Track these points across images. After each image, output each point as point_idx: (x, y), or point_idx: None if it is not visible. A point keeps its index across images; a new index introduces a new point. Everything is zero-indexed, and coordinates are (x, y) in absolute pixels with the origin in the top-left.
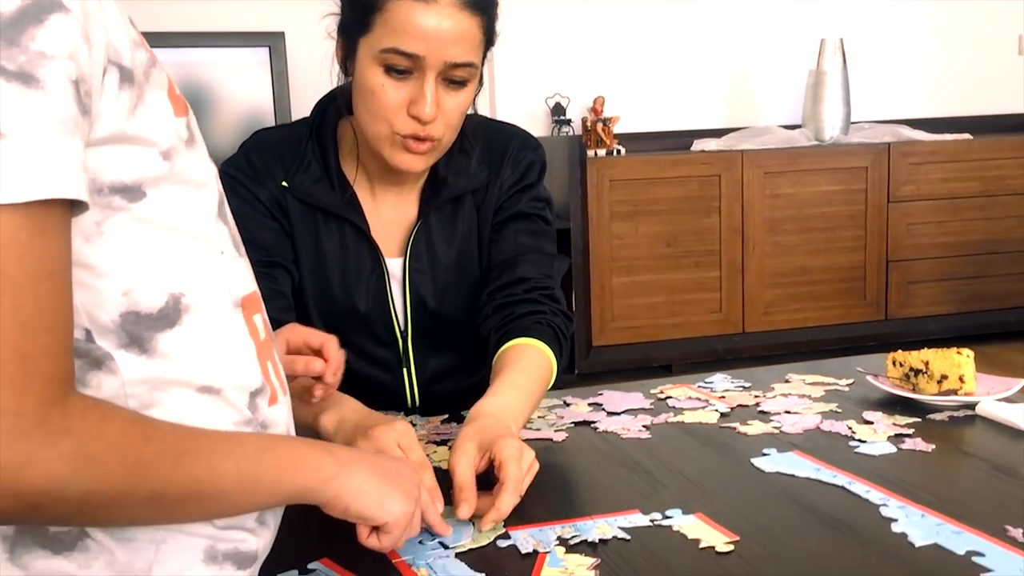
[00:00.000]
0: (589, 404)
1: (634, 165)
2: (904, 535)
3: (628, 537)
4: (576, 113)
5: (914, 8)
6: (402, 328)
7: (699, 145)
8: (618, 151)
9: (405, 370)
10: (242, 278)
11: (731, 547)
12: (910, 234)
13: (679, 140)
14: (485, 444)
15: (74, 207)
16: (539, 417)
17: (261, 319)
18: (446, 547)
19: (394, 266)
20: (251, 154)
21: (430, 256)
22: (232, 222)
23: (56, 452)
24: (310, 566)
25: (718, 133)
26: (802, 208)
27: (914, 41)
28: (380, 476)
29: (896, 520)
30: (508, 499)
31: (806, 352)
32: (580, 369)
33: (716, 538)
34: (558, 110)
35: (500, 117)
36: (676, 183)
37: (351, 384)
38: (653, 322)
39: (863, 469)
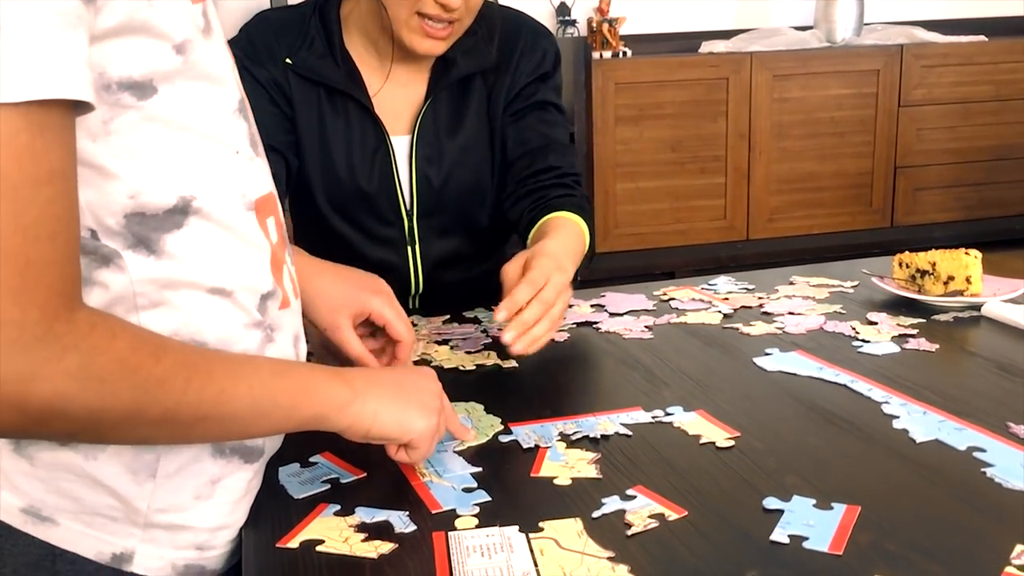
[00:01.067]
0: (592, 305)
1: (640, 68)
2: (905, 431)
3: (630, 433)
4: (581, 14)
5: None
6: (408, 207)
7: (707, 47)
8: (624, 53)
9: (410, 248)
10: (258, 179)
11: (731, 442)
12: (919, 140)
13: (686, 42)
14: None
15: (78, 107)
16: None
17: (275, 222)
18: (444, 443)
19: (400, 144)
20: (252, 33)
21: (437, 135)
22: (252, 119)
23: (62, 367)
24: (312, 459)
25: (727, 35)
26: (811, 112)
27: None
28: (396, 396)
29: (898, 417)
30: (522, 291)
31: (810, 259)
32: (583, 276)
33: (716, 434)
34: (563, 10)
35: None
36: (683, 86)
37: (357, 265)
38: (657, 229)
39: (866, 368)
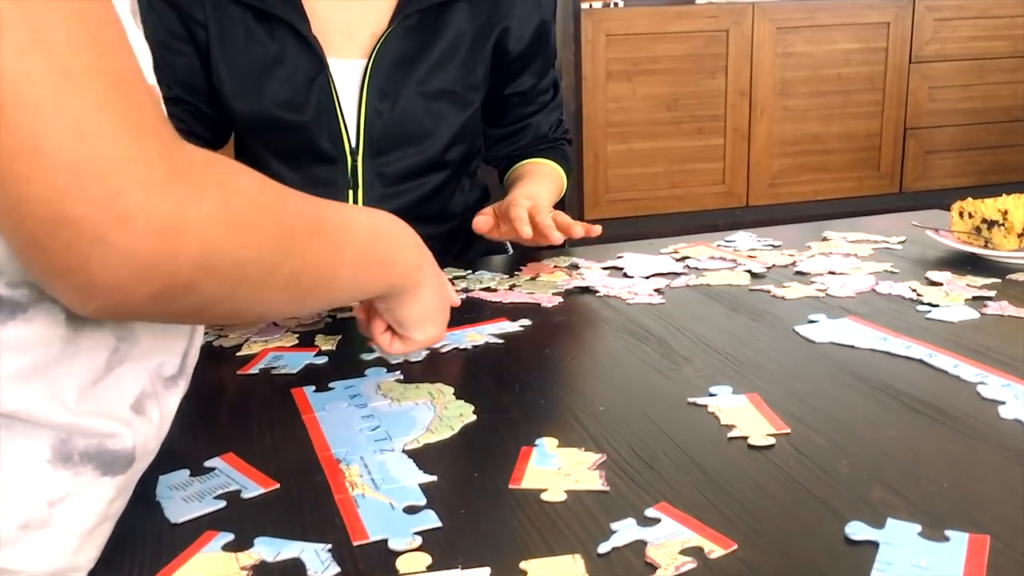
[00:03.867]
0: (605, 268)
1: (633, 18)
2: (1019, 422)
3: (500, 341)
4: None
5: None
6: (352, 144)
7: None
8: (616, 3)
9: (351, 192)
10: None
11: (778, 439)
12: (931, 99)
13: None
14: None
15: None
16: (531, 279)
17: None
18: (391, 439)
19: (351, 70)
20: None
21: (399, 64)
22: None
23: (205, 211)
24: (208, 463)
25: None
26: (817, 69)
27: None
28: (438, 294)
29: (1004, 403)
30: (520, 213)
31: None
32: (570, 244)
33: (760, 426)
34: None
35: None
36: (679, 39)
37: None
38: (651, 194)
39: (943, 339)
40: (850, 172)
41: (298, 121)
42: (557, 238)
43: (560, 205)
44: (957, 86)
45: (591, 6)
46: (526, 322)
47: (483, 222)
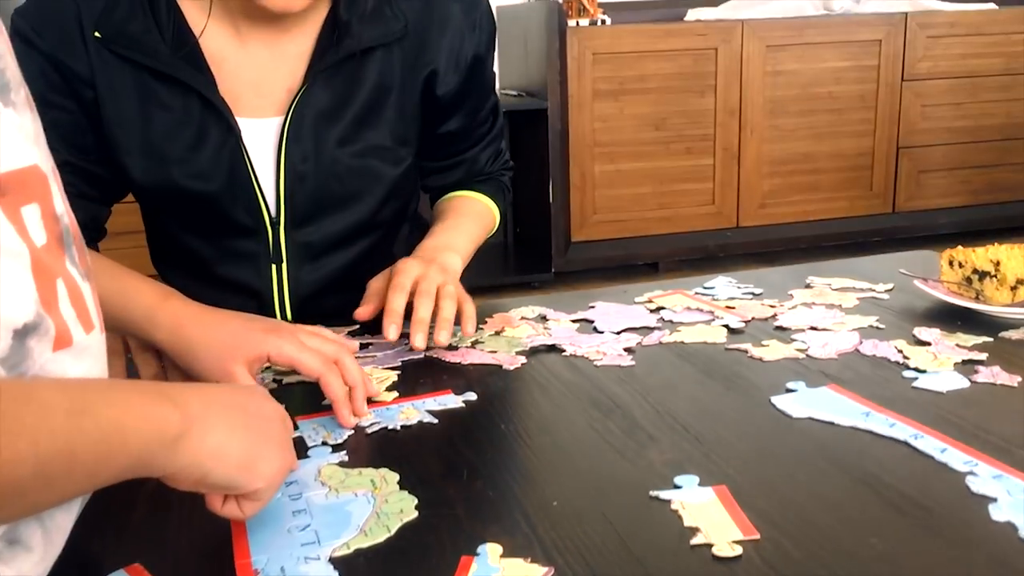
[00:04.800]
0: (574, 320)
1: (620, 36)
2: (1010, 525)
3: (435, 420)
4: None
5: None
6: (272, 214)
7: (693, 15)
8: (602, 20)
9: (275, 268)
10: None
11: (739, 549)
12: (924, 117)
13: (671, 9)
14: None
15: None
16: (495, 334)
17: (42, 212)
18: (319, 543)
19: (265, 129)
20: None
21: (320, 119)
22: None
23: None
24: None
25: (715, 1)
26: (807, 87)
27: None
28: (246, 426)
29: (994, 500)
30: (395, 299)
31: (806, 248)
32: (557, 267)
33: (727, 530)
34: None
35: None
36: (667, 58)
37: (206, 287)
38: (639, 215)
39: (930, 414)
40: (842, 192)
41: (208, 192)
42: (419, 345)
43: (544, 227)
44: (949, 104)
45: (577, 24)
46: (471, 396)
47: (363, 312)
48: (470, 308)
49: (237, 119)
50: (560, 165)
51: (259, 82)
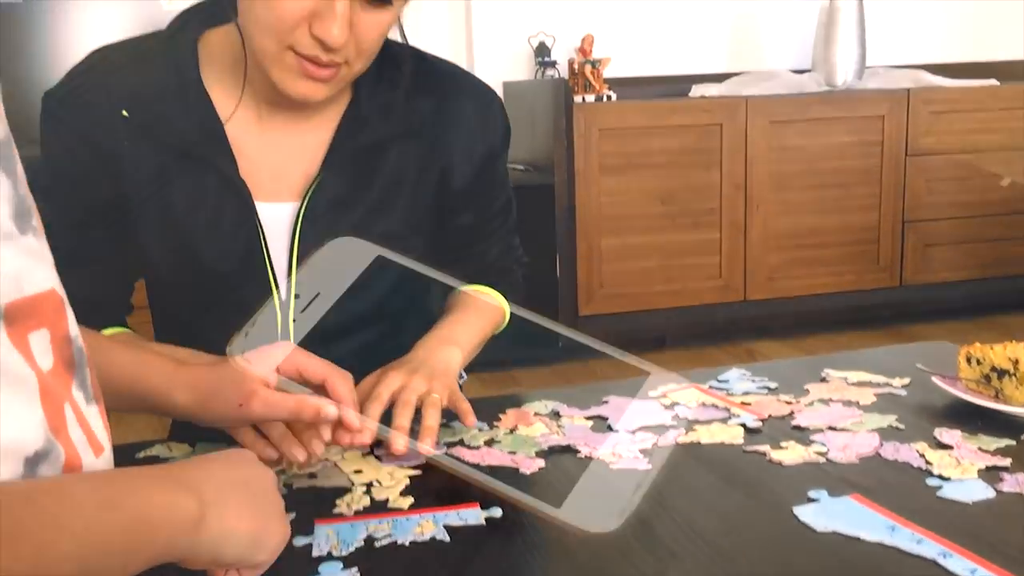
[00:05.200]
0: (588, 417)
1: (626, 113)
2: None
3: (447, 538)
4: (562, 54)
5: None
6: (283, 296)
7: (698, 91)
8: (608, 97)
9: None
10: (13, 273)
11: None
12: (929, 191)
13: (676, 85)
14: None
15: None
16: (510, 432)
17: (50, 338)
18: None
19: (280, 214)
20: (77, 79)
21: (335, 206)
22: (21, 177)
23: None
24: None
25: (719, 78)
26: (812, 162)
27: None
28: (252, 503)
29: None
30: (372, 409)
31: (814, 322)
32: (564, 344)
33: None
34: (542, 50)
35: (477, 58)
36: (673, 133)
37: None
38: (646, 289)
39: (957, 528)
40: (849, 265)
41: (221, 271)
42: (399, 448)
43: (552, 303)
44: (954, 178)
45: (583, 100)
46: (496, 512)
47: (364, 388)
48: (464, 404)
49: (255, 203)
50: (567, 239)
51: (278, 167)
